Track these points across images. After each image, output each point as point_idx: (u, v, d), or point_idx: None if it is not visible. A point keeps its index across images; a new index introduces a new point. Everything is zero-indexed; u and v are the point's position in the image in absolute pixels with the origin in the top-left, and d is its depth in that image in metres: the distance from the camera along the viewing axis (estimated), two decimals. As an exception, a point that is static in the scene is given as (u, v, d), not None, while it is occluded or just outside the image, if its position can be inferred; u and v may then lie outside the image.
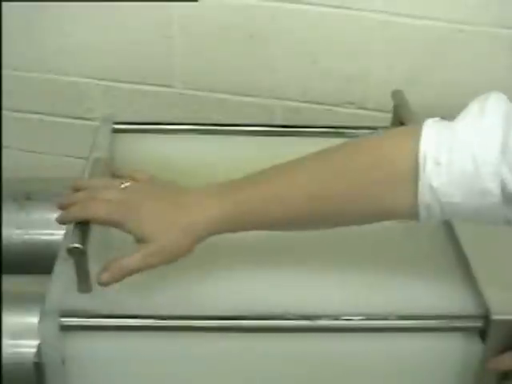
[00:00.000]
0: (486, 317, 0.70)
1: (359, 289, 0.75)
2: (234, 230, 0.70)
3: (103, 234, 0.77)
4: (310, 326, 0.70)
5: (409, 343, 0.72)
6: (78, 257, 0.67)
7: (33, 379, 0.70)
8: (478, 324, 0.70)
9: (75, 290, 0.70)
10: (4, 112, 1.27)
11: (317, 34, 1.13)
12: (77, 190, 0.73)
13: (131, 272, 0.67)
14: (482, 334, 0.71)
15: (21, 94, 1.28)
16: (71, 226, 0.70)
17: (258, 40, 1.15)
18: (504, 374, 0.72)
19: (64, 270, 0.73)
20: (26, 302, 0.82)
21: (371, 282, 0.76)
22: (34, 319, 0.68)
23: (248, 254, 0.78)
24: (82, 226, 0.69)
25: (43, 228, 0.96)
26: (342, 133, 1.01)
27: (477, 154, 0.60)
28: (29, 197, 0.99)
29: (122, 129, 1.00)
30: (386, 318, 0.71)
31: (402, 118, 0.96)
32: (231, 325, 0.70)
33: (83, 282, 0.70)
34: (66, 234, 0.76)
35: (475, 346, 0.71)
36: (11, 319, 0.80)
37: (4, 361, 0.78)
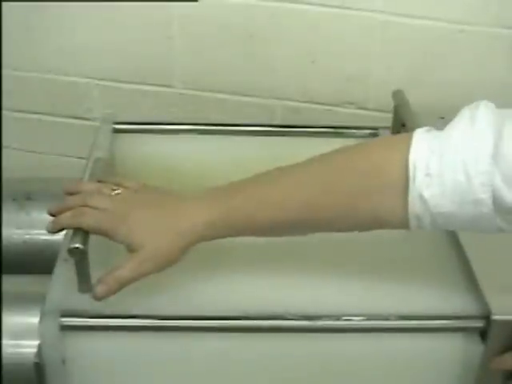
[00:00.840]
0: (486, 317, 0.70)
1: (360, 289, 0.75)
2: (225, 236, 0.70)
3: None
4: (310, 326, 0.70)
5: (409, 343, 0.72)
6: (79, 257, 0.66)
7: (33, 379, 0.70)
8: (479, 324, 0.70)
9: (75, 290, 0.70)
10: (4, 112, 1.27)
11: (317, 33, 1.13)
12: (69, 193, 0.73)
13: (126, 282, 0.67)
14: (483, 334, 0.71)
15: (21, 94, 1.28)
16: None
17: (258, 40, 1.15)
18: (510, 374, 0.72)
19: (64, 270, 0.73)
20: (26, 302, 0.82)
21: (372, 282, 0.76)
22: (34, 319, 0.68)
23: (248, 254, 0.78)
24: (83, 227, 0.69)
25: (43, 228, 0.95)
26: (342, 133, 1.02)
27: (468, 165, 0.60)
28: (29, 197, 0.99)
29: (122, 129, 1.00)
30: (386, 319, 0.71)
31: (403, 118, 0.96)
32: (231, 325, 0.70)
33: (84, 282, 0.70)
34: (66, 235, 0.76)
35: (476, 347, 0.71)
36: (11, 319, 0.80)
37: (4, 361, 0.77)
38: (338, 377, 0.74)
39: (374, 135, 1.01)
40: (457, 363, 0.72)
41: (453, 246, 0.81)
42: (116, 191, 0.72)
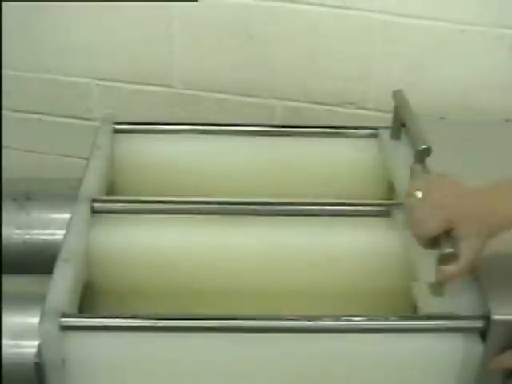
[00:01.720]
0: (486, 317, 0.70)
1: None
2: None
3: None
4: (310, 326, 0.70)
5: (409, 343, 0.72)
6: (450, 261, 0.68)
7: (33, 379, 0.70)
8: (479, 324, 0.70)
9: (75, 289, 0.70)
10: (4, 112, 1.27)
11: (317, 34, 1.13)
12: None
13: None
14: (483, 334, 0.71)
15: (20, 94, 1.28)
16: None
17: (258, 40, 1.15)
18: (509, 373, 0.72)
19: (64, 270, 0.73)
20: (26, 302, 0.82)
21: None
22: (34, 319, 0.68)
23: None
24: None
25: (43, 228, 0.96)
26: (342, 133, 1.02)
27: None
28: (29, 197, 0.99)
29: (122, 129, 1.00)
30: (386, 319, 0.71)
31: (403, 118, 0.96)
32: (231, 325, 0.70)
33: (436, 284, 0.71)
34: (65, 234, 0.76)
35: (476, 346, 0.71)
36: (12, 319, 0.80)
37: (4, 361, 0.78)
38: (338, 377, 0.74)
39: (374, 135, 1.01)
40: (457, 363, 0.72)
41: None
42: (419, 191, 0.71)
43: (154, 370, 0.73)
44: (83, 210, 0.83)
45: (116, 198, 0.89)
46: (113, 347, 0.71)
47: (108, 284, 0.81)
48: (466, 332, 0.71)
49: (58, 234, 0.89)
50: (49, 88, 1.26)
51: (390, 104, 1.01)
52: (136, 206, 0.85)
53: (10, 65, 1.23)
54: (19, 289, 0.86)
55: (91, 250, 0.80)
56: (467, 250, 0.67)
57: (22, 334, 0.79)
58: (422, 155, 0.82)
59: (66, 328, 0.68)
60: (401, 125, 0.97)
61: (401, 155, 0.93)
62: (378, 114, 1.17)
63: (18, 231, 0.96)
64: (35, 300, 0.76)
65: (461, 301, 0.73)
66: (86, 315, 0.69)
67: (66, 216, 0.84)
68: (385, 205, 0.87)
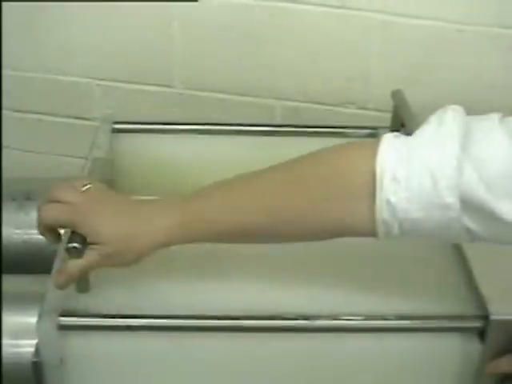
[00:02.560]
0: (485, 317, 0.70)
1: (358, 289, 0.75)
2: (190, 241, 0.69)
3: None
4: (309, 326, 0.70)
5: (408, 343, 0.72)
6: (77, 257, 0.67)
7: (31, 379, 0.70)
8: (477, 324, 0.70)
9: (74, 289, 0.70)
10: (4, 112, 1.28)
11: (317, 33, 1.13)
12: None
13: (83, 270, 0.68)
14: (481, 334, 0.70)
15: (20, 94, 1.28)
16: None
17: (258, 40, 1.15)
18: (504, 375, 0.72)
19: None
20: (25, 301, 0.82)
21: (370, 281, 0.76)
22: (33, 319, 0.68)
23: (248, 254, 0.78)
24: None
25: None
26: (342, 133, 1.01)
27: (434, 168, 0.59)
28: (29, 197, 0.99)
29: (122, 129, 0.99)
30: (385, 318, 0.71)
31: (402, 118, 0.96)
32: (230, 324, 0.70)
33: (81, 281, 0.70)
34: (64, 234, 0.76)
35: (474, 347, 0.71)
36: (11, 319, 0.80)
37: (4, 360, 0.78)
38: (338, 377, 0.74)
39: (374, 135, 1.01)
40: (455, 363, 0.72)
41: (452, 246, 0.81)
42: (86, 186, 0.71)
43: (153, 370, 0.73)
44: (82, 209, 0.83)
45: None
46: (111, 347, 0.71)
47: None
48: (464, 332, 0.71)
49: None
50: (49, 88, 1.26)
51: (390, 104, 1.01)
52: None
53: (10, 65, 1.24)
54: (19, 288, 0.86)
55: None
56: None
57: (21, 333, 0.79)
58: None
59: (64, 327, 0.68)
60: (400, 125, 0.97)
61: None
62: (378, 113, 1.16)
63: (17, 231, 0.96)
64: (34, 300, 0.76)
65: (459, 301, 0.73)
66: (85, 315, 0.69)
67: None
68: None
